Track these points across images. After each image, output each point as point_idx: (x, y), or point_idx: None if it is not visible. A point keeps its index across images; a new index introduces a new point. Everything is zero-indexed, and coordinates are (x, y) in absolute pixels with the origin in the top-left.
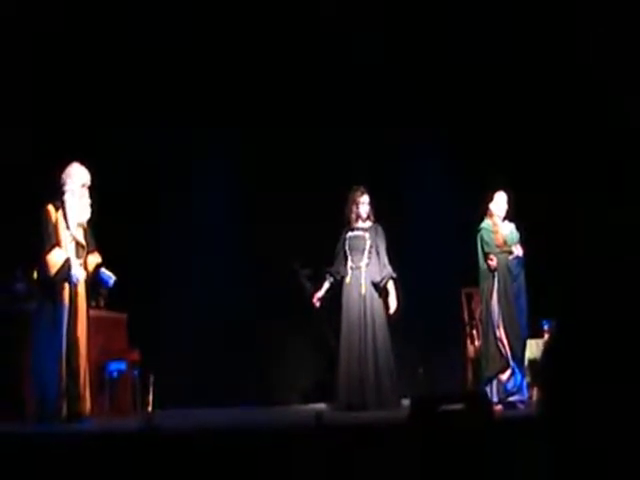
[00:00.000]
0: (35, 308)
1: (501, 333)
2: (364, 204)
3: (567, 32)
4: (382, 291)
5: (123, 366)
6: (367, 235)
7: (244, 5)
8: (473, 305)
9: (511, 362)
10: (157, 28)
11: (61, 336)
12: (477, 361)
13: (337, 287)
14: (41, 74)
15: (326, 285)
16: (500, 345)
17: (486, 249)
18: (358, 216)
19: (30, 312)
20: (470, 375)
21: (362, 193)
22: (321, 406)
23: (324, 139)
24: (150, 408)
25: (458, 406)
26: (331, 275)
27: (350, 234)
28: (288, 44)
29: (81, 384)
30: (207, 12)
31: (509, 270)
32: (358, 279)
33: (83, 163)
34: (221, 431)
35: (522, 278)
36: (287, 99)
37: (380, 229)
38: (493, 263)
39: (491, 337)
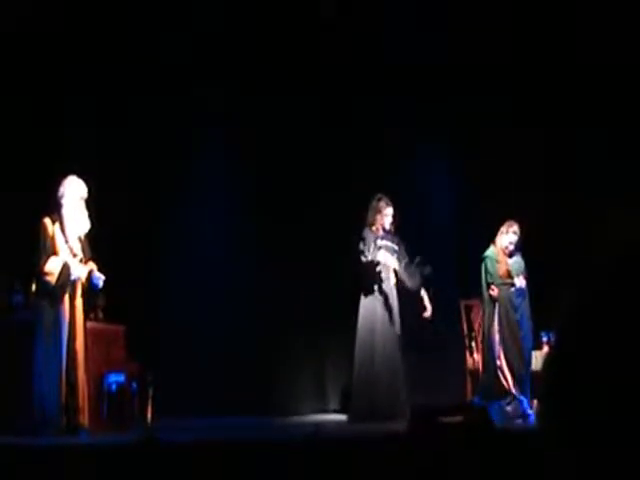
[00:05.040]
0: (34, 320)
1: (502, 362)
2: (388, 216)
3: (566, 37)
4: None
5: (122, 378)
6: (395, 248)
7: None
8: (472, 317)
9: (512, 390)
10: (158, 29)
11: (61, 348)
12: (476, 373)
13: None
14: (39, 77)
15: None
16: (500, 374)
17: (488, 279)
18: (382, 227)
19: (28, 324)
20: (469, 387)
21: (387, 204)
22: (335, 417)
23: (325, 138)
24: (149, 420)
25: (457, 418)
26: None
27: (380, 243)
28: (289, 42)
29: (80, 396)
30: (208, 13)
31: (510, 301)
32: (390, 292)
33: (81, 175)
34: (220, 443)
35: (525, 306)
36: (288, 97)
37: (401, 241)
38: (494, 293)
39: (491, 366)
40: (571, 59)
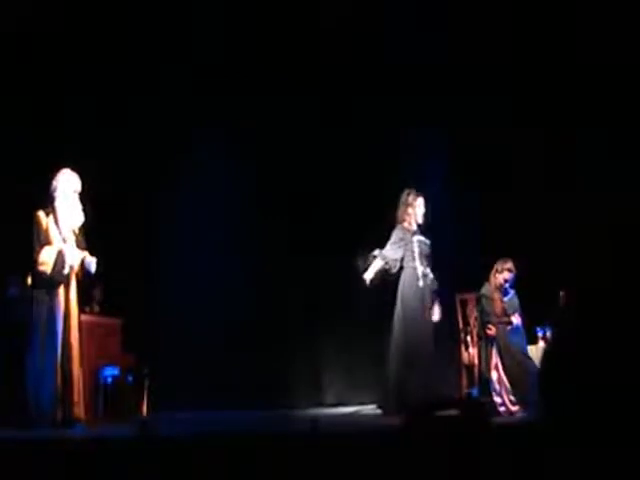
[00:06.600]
0: (29, 313)
1: (505, 399)
2: (420, 207)
3: (566, 37)
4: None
5: (117, 371)
6: (429, 242)
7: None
8: (468, 311)
9: (515, 413)
10: (158, 29)
11: (56, 341)
12: (471, 367)
13: (386, 275)
14: (39, 77)
15: (377, 266)
16: (500, 408)
17: (485, 318)
18: (415, 220)
19: (23, 318)
20: (465, 381)
21: (417, 196)
22: (332, 411)
23: (325, 138)
24: (144, 413)
25: (453, 412)
26: (386, 262)
27: (417, 238)
28: (290, 42)
29: (75, 389)
30: (209, 13)
31: (507, 338)
32: (429, 287)
33: (75, 168)
34: (216, 436)
35: (522, 343)
36: (288, 97)
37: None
38: (491, 332)
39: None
40: (571, 59)
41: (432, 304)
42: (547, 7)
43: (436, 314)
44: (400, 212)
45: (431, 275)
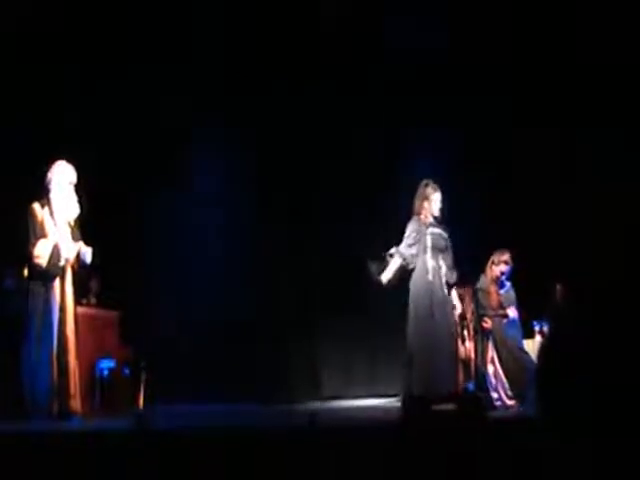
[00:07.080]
0: (25, 306)
1: (501, 394)
2: (436, 201)
3: (566, 37)
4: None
5: (113, 364)
6: (445, 235)
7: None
8: (464, 306)
9: (511, 408)
10: (158, 28)
11: (52, 334)
12: (467, 361)
13: (404, 273)
14: (39, 77)
15: (395, 264)
16: (496, 403)
17: (481, 312)
18: (431, 214)
19: (19, 309)
20: (461, 376)
21: (434, 190)
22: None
23: (325, 138)
24: (141, 406)
25: (450, 406)
26: (404, 259)
27: (432, 230)
28: (290, 42)
29: (71, 382)
30: (209, 12)
31: (503, 332)
32: (441, 279)
33: (73, 161)
34: (213, 430)
35: (518, 337)
36: (289, 97)
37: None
38: (487, 325)
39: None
40: (571, 59)
41: (449, 297)
42: (547, 7)
43: (458, 307)
44: (417, 204)
45: (444, 268)
